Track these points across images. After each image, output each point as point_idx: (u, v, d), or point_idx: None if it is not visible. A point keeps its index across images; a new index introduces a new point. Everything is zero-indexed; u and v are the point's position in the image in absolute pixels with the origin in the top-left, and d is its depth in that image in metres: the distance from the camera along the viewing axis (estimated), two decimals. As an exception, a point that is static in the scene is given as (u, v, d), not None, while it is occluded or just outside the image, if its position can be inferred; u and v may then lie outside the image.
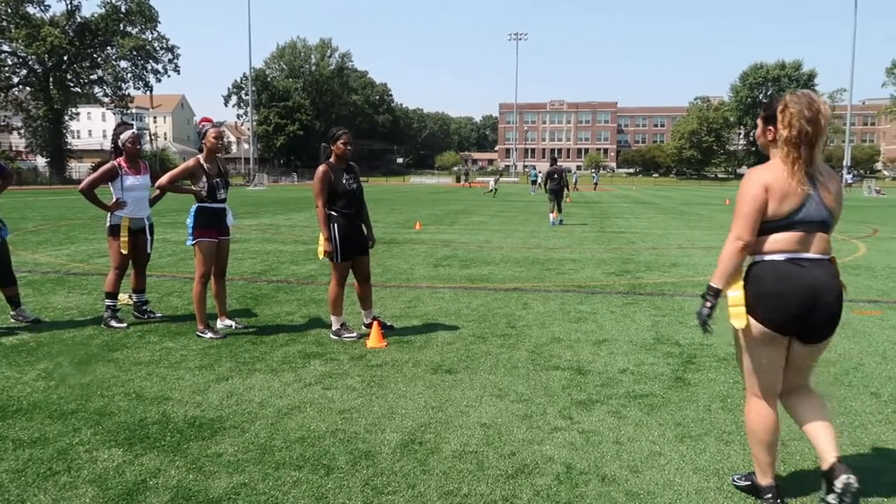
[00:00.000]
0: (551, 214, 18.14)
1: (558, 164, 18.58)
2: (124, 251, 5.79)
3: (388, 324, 5.89)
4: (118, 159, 5.81)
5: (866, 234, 15.36)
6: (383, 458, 3.20)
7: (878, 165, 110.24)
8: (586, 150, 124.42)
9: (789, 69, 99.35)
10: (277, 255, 10.86)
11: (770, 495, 2.76)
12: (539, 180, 43.14)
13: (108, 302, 5.82)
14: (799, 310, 2.60)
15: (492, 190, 41.30)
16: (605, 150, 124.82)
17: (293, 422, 3.64)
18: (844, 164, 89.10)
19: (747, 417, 2.84)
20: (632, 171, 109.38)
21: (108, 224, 5.85)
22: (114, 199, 5.77)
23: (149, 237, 6.03)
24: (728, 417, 3.74)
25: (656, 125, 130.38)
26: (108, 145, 6.05)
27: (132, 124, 6.15)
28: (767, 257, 2.65)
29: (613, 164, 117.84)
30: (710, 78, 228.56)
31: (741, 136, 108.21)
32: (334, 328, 5.53)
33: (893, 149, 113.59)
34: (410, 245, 12.39)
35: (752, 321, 2.66)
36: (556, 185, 18.21)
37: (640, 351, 5.16)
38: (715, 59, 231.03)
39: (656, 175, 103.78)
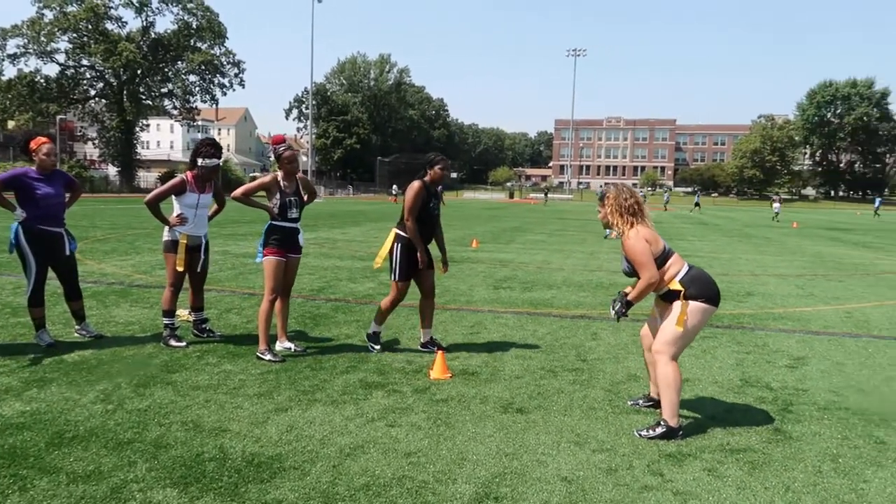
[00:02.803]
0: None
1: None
2: (180, 268, 5.66)
3: (440, 343, 5.83)
4: (188, 174, 5.71)
5: (956, 265, 14.31)
6: (456, 514, 2.90)
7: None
8: (643, 168, 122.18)
9: (861, 87, 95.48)
10: (335, 271, 10.74)
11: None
12: None
13: (165, 321, 5.72)
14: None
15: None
16: (663, 168, 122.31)
17: (357, 464, 3.38)
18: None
19: (675, 371, 3.87)
20: (689, 190, 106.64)
21: (165, 239, 5.71)
22: (175, 214, 5.67)
23: (203, 256, 5.91)
24: (844, 483, 3.29)
25: (716, 143, 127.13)
26: (175, 156, 5.96)
27: (219, 152, 5.92)
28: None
29: (671, 183, 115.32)
30: (775, 96, 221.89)
31: (807, 156, 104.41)
32: (369, 331, 5.75)
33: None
34: (468, 264, 12.11)
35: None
36: None
37: (727, 394, 4.72)
38: (780, 78, 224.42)
39: (715, 194, 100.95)
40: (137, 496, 2.97)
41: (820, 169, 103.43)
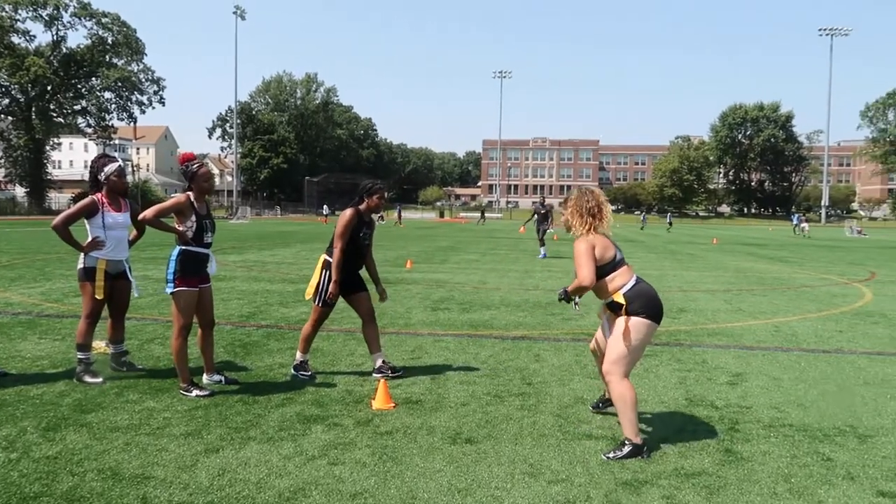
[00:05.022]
0: (543, 248, 19.71)
1: (545, 201, 20.89)
2: (99, 296, 5.21)
3: (399, 369, 5.63)
4: (98, 194, 5.28)
5: (865, 278, 15.14)
6: (410, 562, 2.67)
7: (854, 205, 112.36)
8: (569, 187, 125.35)
9: (767, 110, 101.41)
10: (265, 295, 10.30)
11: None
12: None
13: (80, 355, 5.23)
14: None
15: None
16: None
17: (298, 510, 3.10)
18: (823, 203, 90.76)
19: (629, 390, 3.87)
20: (614, 208, 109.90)
21: (81, 266, 5.23)
22: (90, 238, 5.22)
23: (132, 280, 5.49)
24: (800, 504, 3.26)
25: (637, 163, 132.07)
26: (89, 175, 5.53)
27: (115, 156, 5.62)
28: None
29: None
30: (691, 118, 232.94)
31: (721, 175, 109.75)
32: (295, 362, 5.52)
33: (868, 189, 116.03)
34: (404, 285, 11.88)
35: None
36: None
37: (675, 415, 4.68)
38: (695, 100, 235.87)
39: (637, 212, 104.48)
40: (45, 563, 2.60)
41: (733, 187, 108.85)
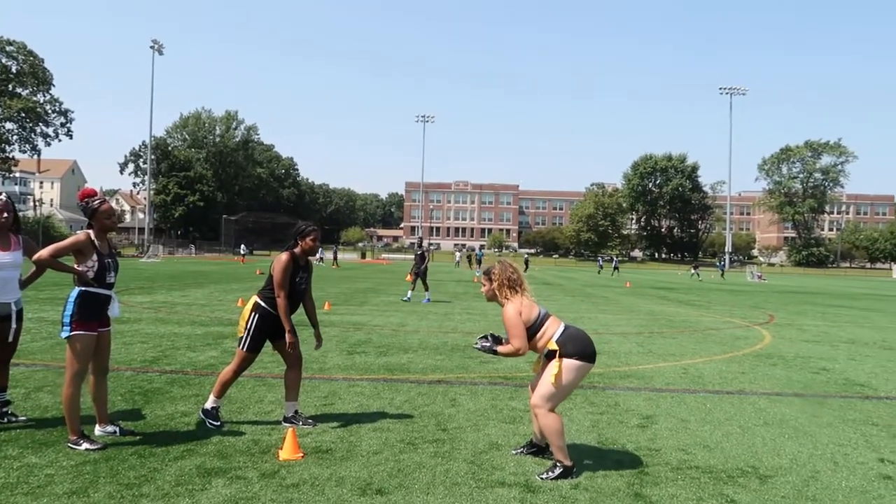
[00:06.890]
0: (411, 291, 19.20)
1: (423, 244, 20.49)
2: None
3: (309, 420, 5.42)
4: None
5: (764, 321, 15.97)
6: None
7: (755, 251, 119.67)
8: (489, 230, 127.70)
9: (675, 161, 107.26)
10: (172, 338, 9.80)
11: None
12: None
13: (-45, 406, 4.77)
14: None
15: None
16: (508, 231, 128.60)
17: (190, 575, 2.87)
18: (726, 249, 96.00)
19: (556, 420, 4.27)
20: (533, 251, 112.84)
21: None
22: None
23: (14, 325, 5.06)
24: (705, 548, 3.29)
25: (555, 208, 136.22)
26: None
27: (0, 190, 5.23)
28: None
29: (515, 244, 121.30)
30: (605, 166, 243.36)
31: (634, 221, 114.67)
32: (206, 406, 5.25)
33: (766, 236, 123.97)
34: (320, 328, 11.56)
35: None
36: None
37: (588, 458, 4.69)
38: (609, 148, 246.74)
39: (556, 256, 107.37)
40: None
41: (645, 233, 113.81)
